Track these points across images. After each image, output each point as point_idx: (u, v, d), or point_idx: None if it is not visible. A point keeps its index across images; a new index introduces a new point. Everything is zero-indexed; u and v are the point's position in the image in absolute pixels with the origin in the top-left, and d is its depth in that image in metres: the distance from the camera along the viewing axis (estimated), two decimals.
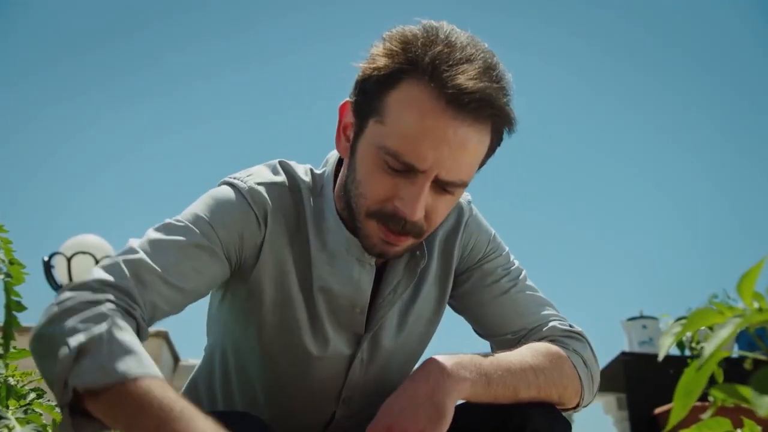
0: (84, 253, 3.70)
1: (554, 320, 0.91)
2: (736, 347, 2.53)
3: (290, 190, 0.86)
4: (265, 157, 0.92)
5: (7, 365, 0.71)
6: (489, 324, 0.94)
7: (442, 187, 0.76)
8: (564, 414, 0.86)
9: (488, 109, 0.73)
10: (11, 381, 0.71)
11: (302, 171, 0.89)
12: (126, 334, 0.65)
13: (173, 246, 0.77)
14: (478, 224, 0.96)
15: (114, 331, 0.64)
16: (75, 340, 0.63)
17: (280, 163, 0.89)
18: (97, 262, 3.74)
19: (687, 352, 2.35)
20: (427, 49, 0.73)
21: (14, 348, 0.74)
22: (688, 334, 2.33)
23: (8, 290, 0.65)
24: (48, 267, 3.74)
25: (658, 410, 2.60)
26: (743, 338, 2.45)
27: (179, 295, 0.77)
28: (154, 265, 0.74)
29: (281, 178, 0.87)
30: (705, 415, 0.54)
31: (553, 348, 0.85)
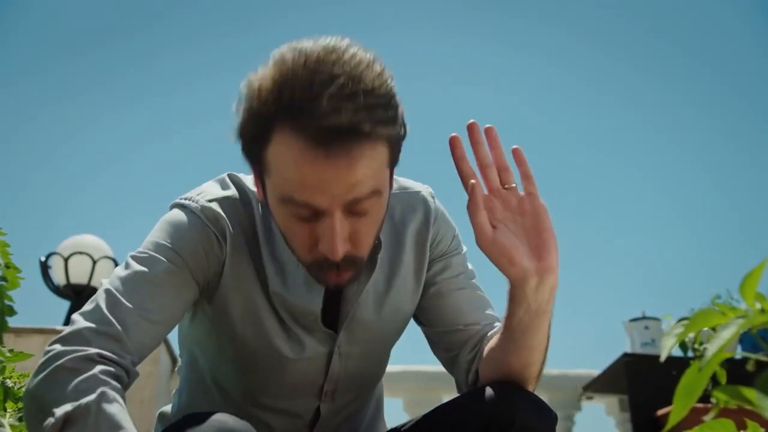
0: (81, 253, 3.69)
1: (499, 322, 0.94)
2: (739, 348, 2.52)
3: (242, 202, 0.87)
4: None
5: (4, 368, 0.71)
6: (442, 314, 0.95)
7: (354, 211, 0.74)
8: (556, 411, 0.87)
9: (362, 135, 0.69)
10: (8, 383, 0.71)
11: (251, 182, 0.89)
12: (114, 406, 0.65)
13: (143, 280, 0.78)
14: (445, 219, 0.98)
15: (102, 403, 0.65)
16: (61, 410, 0.64)
17: (229, 175, 0.90)
18: (94, 262, 3.72)
19: (690, 354, 2.35)
20: (281, 99, 0.69)
21: (12, 350, 0.73)
22: (691, 335, 2.33)
23: (1, 294, 0.65)
24: (45, 267, 3.73)
25: (660, 412, 2.59)
26: (747, 339, 2.44)
27: (161, 328, 0.78)
28: (131, 305, 0.75)
29: (231, 191, 0.87)
30: (707, 417, 0.54)
31: None
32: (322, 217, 0.73)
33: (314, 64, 0.69)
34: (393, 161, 0.78)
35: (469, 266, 1.00)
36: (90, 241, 3.78)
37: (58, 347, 0.71)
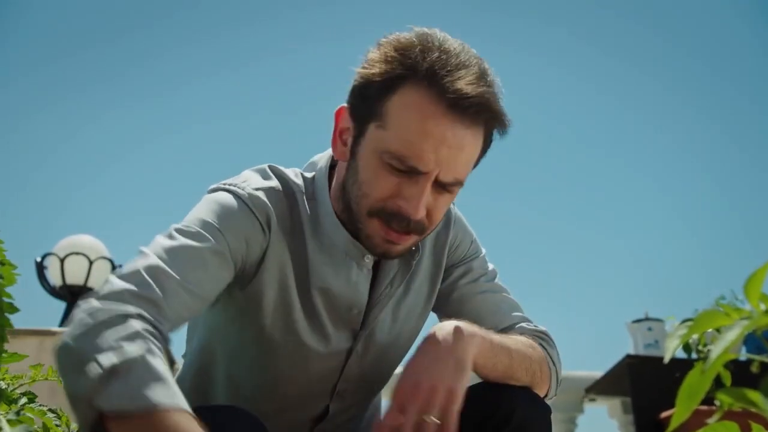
0: (78, 254, 3.67)
1: (522, 322, 0.96)
2: (744, 350, 2.51)
3: (284, 194, 0.87)
4: (265, 157, 0.93)
5: None
6: (464, 320, 0.95)
7: (441, 186, 0.79)
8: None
9: (486, 113, 0.77)
10: (2, 385, 0.70)
11: (292, 174, 0.90)
12: (158, 361, 0.64)
13: (189, 252, 0.77)
14: (463, 225, 1.00)
15: (147, 356, 0.63)
16: (107, 360, 0.62)
17: (270, 167, 0.90)
18: (91, 263, 3.70)
19: (694, 355, 2.33)
20: (425, 55, 0.75)
21: (6, 351, 0.73)
22: (695, 336, 2.32)
23: (0, 292, 0.64)
24: (40, 268, 3.72)
25: (663, 414, 2.57)
26: (751, 341, 2.43)
27: (197, 303, 0.77)
28: (174, 273, 0.74)
29: (274, 182, 0.88)
30: (711, 420, 0.53)
31: (529, 339, 0.90)
32: (415, 177, 0.77)
33: (457, 46, 0.77)
34: (477, 163, 0.83)
35: (490, 266, 1.01)
36: (86, 241, 3.76)
37: (95, 303, 0.68)
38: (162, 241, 0.78)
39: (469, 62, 0.76)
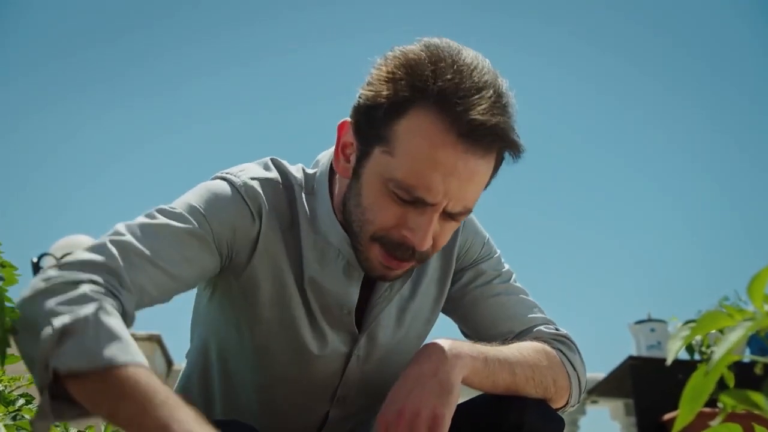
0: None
1: (541, 325, 0.93)
2: (747, 351, 2.50)
3: (283, 187, 0.86)
4: (265, 157, 0.92)
5: None
6: (478, 325, 0.95)
7: (449, 215, 0.77)
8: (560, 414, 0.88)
9: (499, 143, 0.74)
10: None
11: (294, 169, 0.89)
12: (112, 319, 0.64)
13: (164, 230, 0.76)
14: (474, 227, 0.97)
15: (100, 314, 0.63)
16: (59, 321, 0.62)
17: (272, 160, 0.89)
18: None
19: (697, 357, 2.32)
20: (436, 76, 0.71)
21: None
22: (698, 337, 2.31)
23: (1, 295, 0.64)
24: (37, 268, 3.71)
25: (666, 416, 2.56)
26: (755, 342, 2.42)
27: (167, 280, 0.75)
28: (143, 248, 0.73)
29: (273, 174, 0.87)
30: (715, 422, 0.53)
31: (544, 346, 0.87)
32: (421, 207, 0.74)
33: (471, 62, 0.72)
34: (486, 186, 0.80)
35: (505, 267, 0.98)
36: (84, 241, 3.75)
37: (52, 271, 0.69)
38: (140, 219, 0.77)
39: (484, 84, 0.71)
